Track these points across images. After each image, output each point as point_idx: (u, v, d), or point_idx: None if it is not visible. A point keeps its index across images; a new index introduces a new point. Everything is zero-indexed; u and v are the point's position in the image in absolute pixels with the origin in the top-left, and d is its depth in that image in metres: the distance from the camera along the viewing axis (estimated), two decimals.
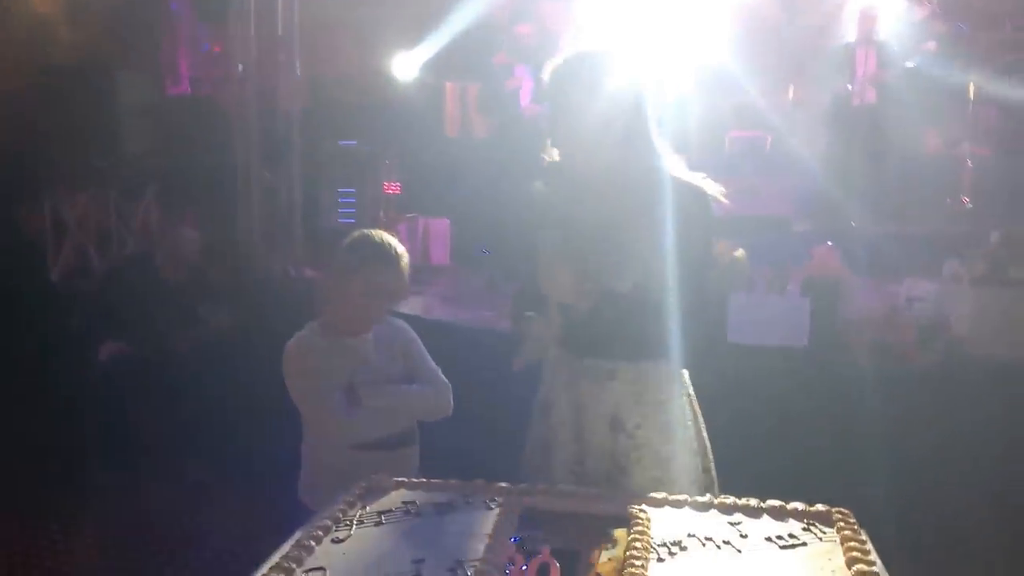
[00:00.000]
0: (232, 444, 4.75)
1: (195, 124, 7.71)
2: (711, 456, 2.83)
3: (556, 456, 2.77)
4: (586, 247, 2.58)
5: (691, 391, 2.82)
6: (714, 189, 2.67)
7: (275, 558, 2.04)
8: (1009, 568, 3.39)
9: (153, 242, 6.89)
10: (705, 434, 2.83)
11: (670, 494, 2.41)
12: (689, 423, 2.78)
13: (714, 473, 2.82)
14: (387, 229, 6.63)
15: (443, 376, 3.08)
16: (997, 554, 3.41)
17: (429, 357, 3.09)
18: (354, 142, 7.40)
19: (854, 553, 2.01)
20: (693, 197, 2.61)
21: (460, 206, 6.87)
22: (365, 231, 3.02)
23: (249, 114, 6.86)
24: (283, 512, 2.83)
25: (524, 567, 1.85)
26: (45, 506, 4.69)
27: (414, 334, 3.11)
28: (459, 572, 1.98)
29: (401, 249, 2.99)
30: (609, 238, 2.57)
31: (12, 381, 5.39)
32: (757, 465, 2.44)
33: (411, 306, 5.76)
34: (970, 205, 6.13)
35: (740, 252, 4.69)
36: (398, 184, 6.90)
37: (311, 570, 1.98)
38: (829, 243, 4.71)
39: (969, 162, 6.44)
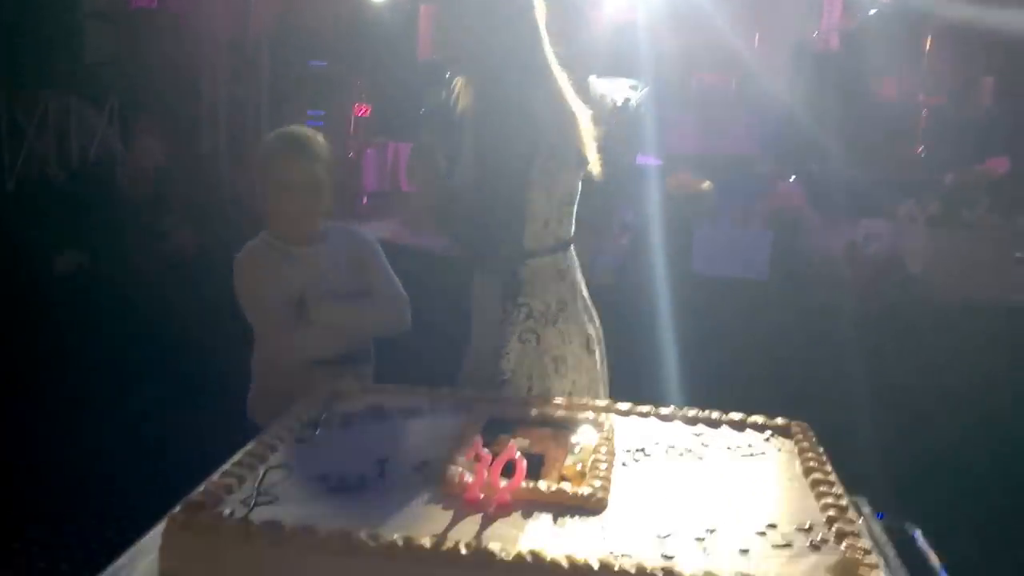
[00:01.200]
0: (190, 361, 4.68)
1: (160, 38, 7.50)
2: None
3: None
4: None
5: (532, 320, 2.75)
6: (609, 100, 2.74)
7: (238, 455, 2.02)
8: (952, 480, 3.52)
9: (115, 152, 6.74)
10: (543, 384, 2.79)
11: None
12: (513, 361, 2.74)
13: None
14: (356, 154, 6.59)
15: (402, 289, 2.88)
16: (943, 467, 3.55)
17: (389, 269, 2.90)
18: (324, 63, 7.26)
19: (811, 463, 2.05)
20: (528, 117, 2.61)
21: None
22: (279, 129, 2.85)
23: (217, 30, 6.70)
24: (234, 430, 2.72)
25: (489, 465, 1.85)
26: None
27: (375, 244, 2.92)
28: (424, 471, 1.99)
29: (313, 141, 2.76)
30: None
31: None
32: (720, 390, 2.47)
33: (380, 230, 5.72)
34: (923, 155, 6.23)
35: (707, 184, 4.72)
36: (368, 107, 6.77)
37: (275, 467, 1.98)
38: (792, 178, 4.74)
39: (924, 111, 6.54)
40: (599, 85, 4.29)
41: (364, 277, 2.85)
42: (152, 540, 1.75)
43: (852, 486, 2.12)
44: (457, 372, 2.92)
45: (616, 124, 4.41)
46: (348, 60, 7.11)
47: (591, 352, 2.83)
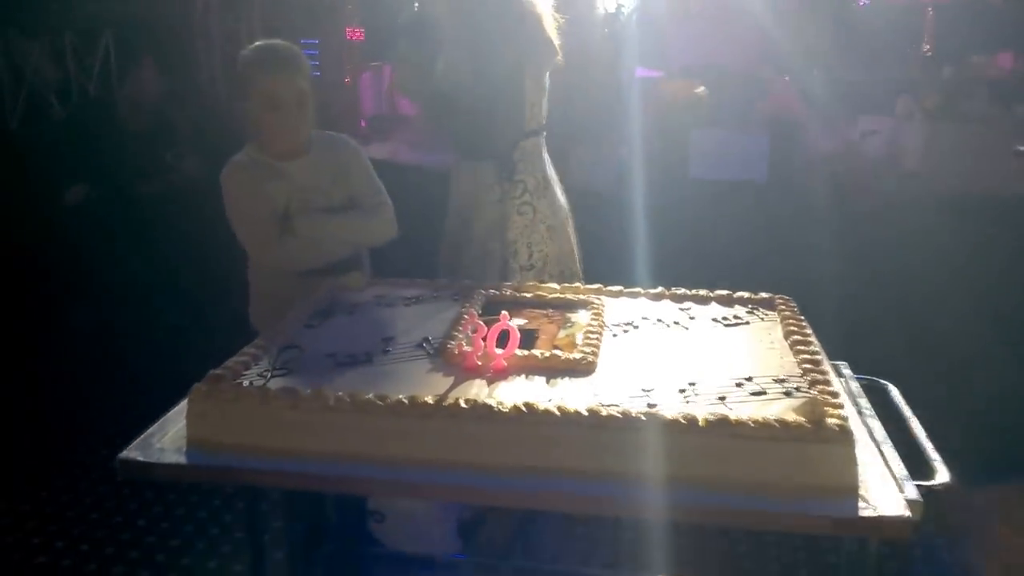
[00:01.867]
0: (199, 285, 4.86)
1: None
2: (547, 273, 3.19)
3: (443, 246, 3.20)
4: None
5: (528, 195, 3.10)
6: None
7: (254, 343, 2.20)
8: (941, 357, 3.70)
9: (113, 87, 6.86)
10: (543, 248, 3.16)
11: None
12: (516, 232, 3.11)
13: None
14: (352, 78, 6.69)
15: (387, 197, 2.91)
16: (927, 343, 3.72)
17: (374, 176, 2.92)
18: None
19: (791, 327, 2.22)
20: (513, 18, 2.91)
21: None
22: (254, 44, 2.83)
23: None
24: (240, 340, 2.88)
25: (485, 335, 2.03)
26: (21, 345, 4.86)
27: (358, 150, 2.93)
28: (425, 346, 2.18)
29: (295, 53, 2.78)
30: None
31: None
32: (718, 285, 2.62)
33: (378, 151, 5.85)
34: (930, 53, 6.27)
35: (701, 89, 4.82)
36: (361, 31, 6.82)
37: (287, 348, 2.16)
38: (787, 78, 4.83)
39: (930, 9, 6.56)
40: None
41: (349, 186, 2.86)
42: (179, 410, 1.95)
43: (835, 355, 2.30)
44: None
45: (609, 33, 4.51)
46: None
47: (569, 222, 3.21)
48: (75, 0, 7.27)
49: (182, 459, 1.85)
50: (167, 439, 1.91)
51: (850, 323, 3.19)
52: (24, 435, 4.26)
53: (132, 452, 1.87)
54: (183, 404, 1.93)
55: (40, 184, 5.71)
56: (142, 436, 1.91)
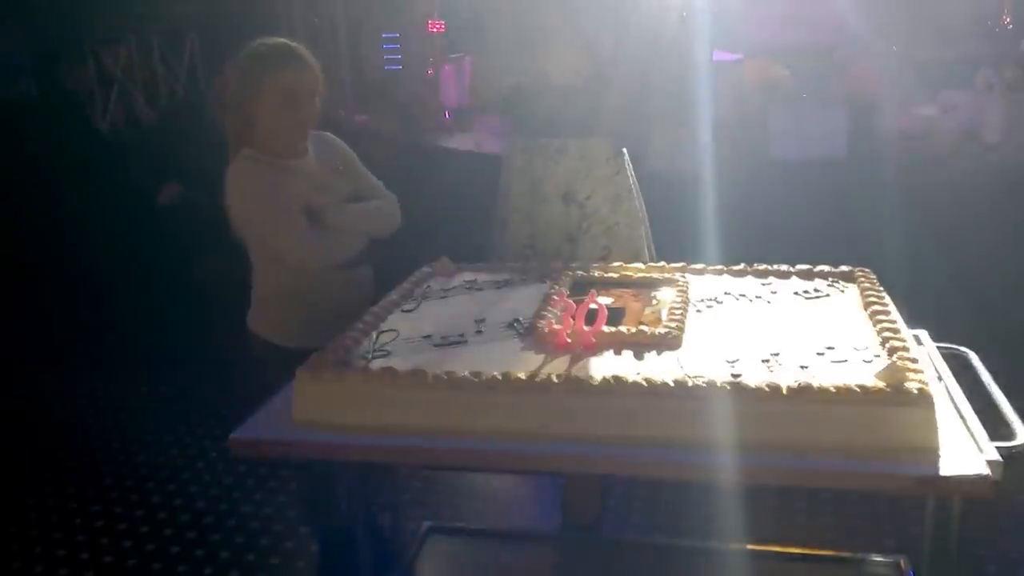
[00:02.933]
0: None
1: None
2: (650, 232, 3.28)
3: (508, 238, 3.19)
4: (583, 24, 2.99)
5: (632, 171, 3.22)
6: None
7: (354, 327, 2.33)
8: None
9: (200, 88, 7.10)
10: (645, 211, 3.26)
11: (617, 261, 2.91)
12: (633, 197, 3.19)
13: (653, 251, 3.28)
14: (434, 70, 6.81)
15: (386, 189, 2.93)
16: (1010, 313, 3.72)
17: (367, 170, 2.93)
18: None
19: (870, 297, 2.29)
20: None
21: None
22: (257, 41, 2.71)
23: None
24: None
25: (574, 313, 2.13)
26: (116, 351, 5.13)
27: (347, 146, 2.93)
28: (516, 325, 2.29)
29: (301, 48, 2.73)
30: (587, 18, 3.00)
31: (78, 231, 5.66)
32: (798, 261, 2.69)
33: (463, 142, 5.98)
34: (1011, 26, 6.18)
35: (780, 69, 4.85)
36: (442, 23, 6.94)
37: (385, 331, 2.29)
38: (865, 55, 4.83)
39: None
40: None
41: (352, 180, 2.87)
42: (285, 394, 2.09)
43: (916, 325, 2.35)
44: None
45: (685, 16, 4.56)
46: None
47: None
48: (160, 3, 7.54)
49: (290, 436, 1.98)
50: (275, 420, 2.04)
51: (930, 294, 3.22)
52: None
53: (243, 432, 2.00)
54: (288, 388, 2.06)
55: (132, 187, 5.96)
56: (251, 417, 2.05)
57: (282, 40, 2.70)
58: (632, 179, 3.22)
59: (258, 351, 2.81)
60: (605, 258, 3.09)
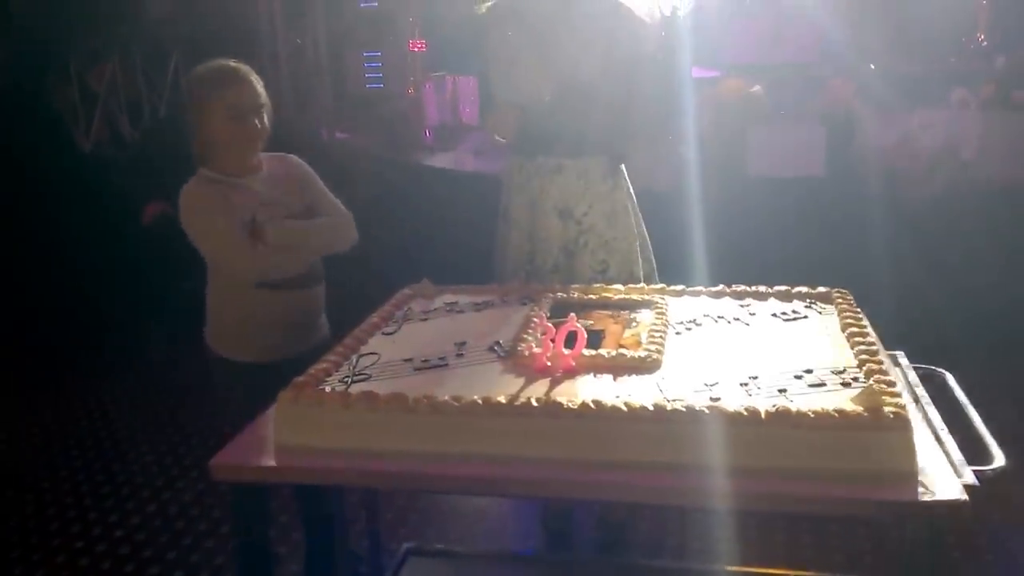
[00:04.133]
0: None
1: None
2: (650, 246, 3.31)
3: (509, 254, 3.23)
4: (543, 41, 3.02)
5: (630, 187, 3.25)
6: (649, 8, 3.15)
7: (334, 350, 2.32)
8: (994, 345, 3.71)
9: (183, 106, 7.06)
10: (643, 226, 3.29)
11: (615, 276, 3.05)
12: (630, 213, 3.22)
13: (654, 263, 3.31)
14: (415, 89, 6.83)
15: (343, 207, 2.95)
16: (985, 333, 3.74)
17: (327, 189, 2.97)
18: (375, 3, 7.49)
19: (848, 319, 2.29)
20: (619, 12, 3.04)
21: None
22: (197, 67, 2.79)
23: None
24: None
25: (554, 336, 2.13)
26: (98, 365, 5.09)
27: (308, 167, 2.97)
28: (497, 348, 2.28)
29: (245, 67, 2.78)
30: (558, 39, 3.02)
31: (62, 249, 5.64)
32: (776, 280, 2.70)
33: (442, 161, 5.99)
34: (986, 43, 6.26)
35: (757, 88, 4.88)
36: (423, 42, 6.97)
37: (365, 354, 2.28)
38: (842, 73, 4.86)
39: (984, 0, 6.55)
40: None
41: (306, 197, 2.90)
42: (267, 416, 2.07)
43: (894, 345, 2.36)
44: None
45: (666, 35, 4.58)
46: None
47: None
48: (144, 23, 7.52)
49: (271, 461, 1.97)
50: (255, 444, 2.02)
51: (909, 313, 3.24)
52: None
53: (223, 457, 1.98)
54: (269, 411, 2.05)
55: (115, 204, 5.92)
56: (232, 442, 2.03)
57: (224, 62, 2.77)
58: (630, 195, 3.25)
59: (211, 365, 2.89)
60: (603, 271, 3.14)
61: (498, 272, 3.29)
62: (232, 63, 2.78)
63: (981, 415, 2.06)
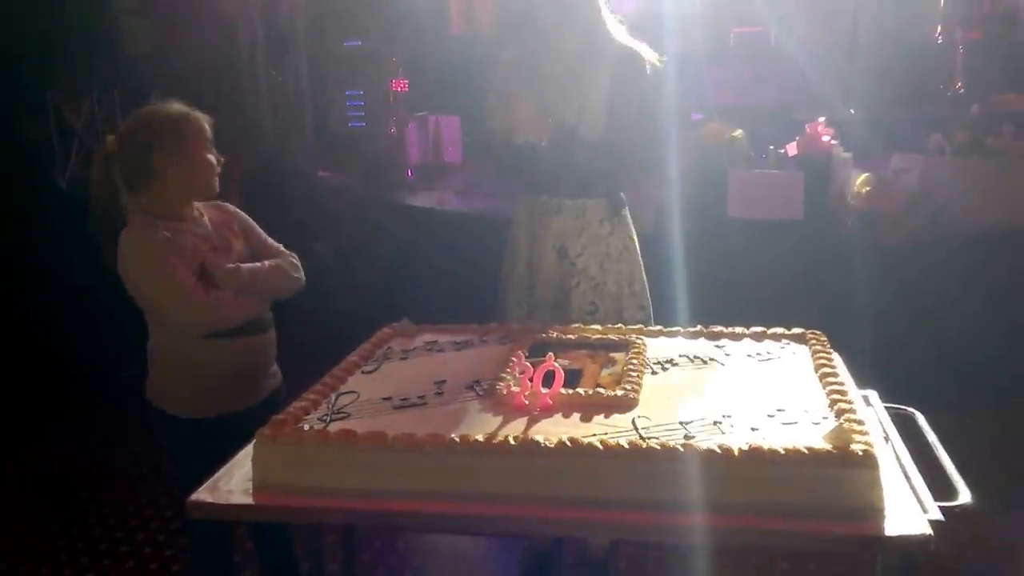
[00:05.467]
0: None
1: (196, 27, 7.83)
2: (648, 297, 3.36)
3: (512, 286, 3.34)
4: (542, 83, 3.12)
5: (633, 233, 3.34)
6: (650, 55, 3.18)
7: (313, 389, 2.37)
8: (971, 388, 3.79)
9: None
10: (644, 275, 3.35)
11: (603, 319, 3.11)
12: (627, 259, 3.30)
13: (651, 311, 3.36)
14: (397, 129, 6.91)
15: (286, 249, 2.94)
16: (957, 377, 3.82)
17: (266, 235, 2.94)
18: (359, 42, 7.58)
19: (821, 360, 2.37)
20: (629, 58, 3.14)
21: (469, 105, 7.02)
22: (150, 109, 2.73)
23: (253, 14, 7.04)
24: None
25: (532, 375, 2.19)
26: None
27: (244, 214, 2.93)
28: (476, 388, 2.34)
29: (196, 111, 2.73)
30: (560, 82, 3.12)
31: (36, 284, 5.65)
32: (755, 321, 2.77)
33: (424, 200, 6.06)
34: (963, 90, 6.42)
35: (738, 132, 4.98)
36: (405, 82, 7.07)
37: (344, 393, 2.34)
38: (821, 119, 4.98)
39: (961, 47, 6.71)
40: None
41: (250, 241, 2.88)
42: (245, 454, 2.11)
43: (867, 384, 2.44)
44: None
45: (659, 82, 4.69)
46: (382, 38, 7.40)
47: None
48: (123, 59, 7.59)
49: (248, 500, 2.00)
50: (234, 482, 2.06)
51: (883, 354, 3.32)
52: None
53: (201, 495, 2.02)
54: (248, 448, 2.09)
55: (89, 242, 5.94)
56: (210, 479, 2.07)
57: (176, 105, 2.71)
58: (631, 240, 3.32)
59: (156, 421, 2.81)
60: (592, 313, 3.22)
61: (500, 302, 3.40)
62: (184, 105, 2.72)
63: (950, 454, 2.14)
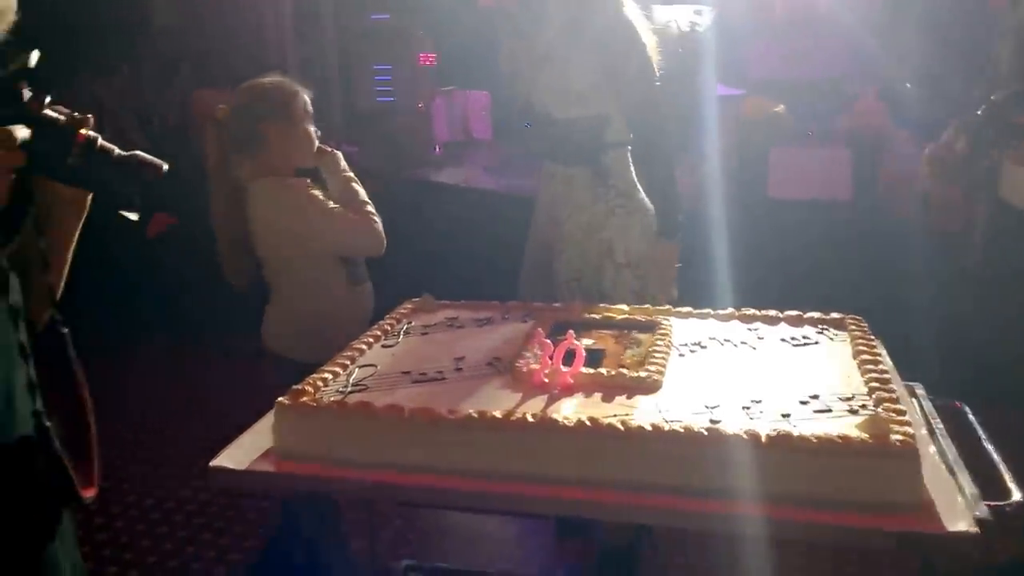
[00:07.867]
0: None
1: (224, 2, 7.83)
2: (643, 269, 3.29)
3: (528, 251, 3.45)
4: (538, 52, 3.24)
5: (627, 204, 3.28)
6: (683, 23, 3.11)
7: (333, 361, 2.34)
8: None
9: (191, 116, 7.13)
10: (640, 247, 3.27)
11: (587, 287, 3.16)
12: (610, 228, 3.26)
13: (646, 280, 3.30)
14: (425, 104, 6.84)
15: None
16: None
17: None
18: (387, 15, 7.50)
19: (860, 346, 2.29)
20: (615, 28, 3.14)
21: (498, 79, 6.92)
22: (261, 83, 2.96)
23: None
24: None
25: (552, 353, 2.14)
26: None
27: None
28: (496, 364, 2.30)
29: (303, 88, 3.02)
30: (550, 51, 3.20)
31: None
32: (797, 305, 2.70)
33: (452, 176, 6.01)
34: None
35: (781, 107, 4.87)
36: (433, 56, 6.98)
37: (364, 366, 2.32)
38: (874, 89, 4.81)
39: None
40: (663, 12, 4.47)
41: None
42: (265, 422, 2.12)
43: (914, 377, 2.35)
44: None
45: (684, 51, 4.59)
46: (410, 11, 7.32)
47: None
48: (152, 33, 7.63)
49: (269, 468, 2.00)
50: (253, 450, 2.06)
51: (930, 345, 3.22)
52: None
53: (223, 461, 2.02)
54: (269, 416, 2.09)
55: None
56: (229, 446, 2.07)
57: (277, 79, 2.98)
58: (623, 209, 3.27)
59: (275, 367, 2.93)
60: (578, 280, 3.23)
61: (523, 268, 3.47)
62: (283, 78, 3.00)
63: (1000, 452, 2.05)
